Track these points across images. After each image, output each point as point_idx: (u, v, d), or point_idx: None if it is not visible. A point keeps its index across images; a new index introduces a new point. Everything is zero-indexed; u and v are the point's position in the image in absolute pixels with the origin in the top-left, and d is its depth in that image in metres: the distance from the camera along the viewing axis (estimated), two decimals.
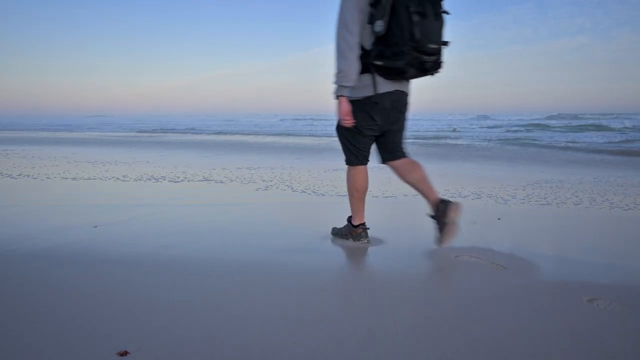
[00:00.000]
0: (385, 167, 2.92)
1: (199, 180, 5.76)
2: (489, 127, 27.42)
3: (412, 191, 5.13)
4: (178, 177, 6.01)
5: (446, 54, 2.47)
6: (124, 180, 5.66)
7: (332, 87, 2.50)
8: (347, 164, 2.82)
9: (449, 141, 17.13)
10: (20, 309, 1.88)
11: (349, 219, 2.94)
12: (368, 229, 2.93)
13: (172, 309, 1.90)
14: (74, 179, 5.79)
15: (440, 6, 2.36)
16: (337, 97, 2.49)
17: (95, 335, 1.66)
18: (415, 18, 2.24)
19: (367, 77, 2.48)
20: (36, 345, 1.59)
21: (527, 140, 16.82)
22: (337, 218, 3.72)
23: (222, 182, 5.69)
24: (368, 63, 2.43)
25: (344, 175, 6.42)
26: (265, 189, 5.16)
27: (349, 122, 2.56)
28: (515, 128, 26.11)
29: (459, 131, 24.16)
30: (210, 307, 1.94)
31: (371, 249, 2.85)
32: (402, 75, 2.42)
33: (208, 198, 4.54)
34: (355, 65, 2.39)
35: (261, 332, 1.71)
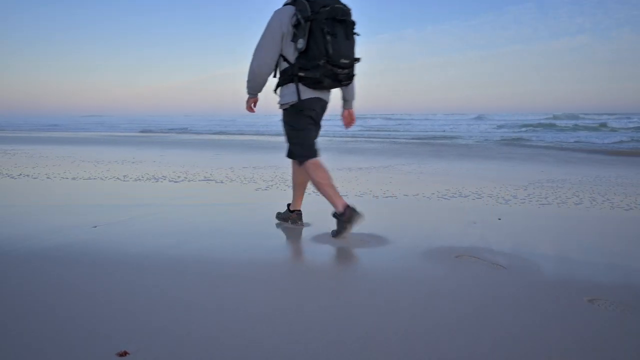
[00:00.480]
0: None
1: (199, 180, 5.76)
2: (495, 128, 27.40)
3: (412, 191, 5.13)
4: (178, 177, 6.01)
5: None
6: (124, 180, 5.65)
7: (245, 90, 3.07)
8: (299, 159, 3.11)
9: (453, 141, 17.14)
10: (20, 309, 1.88)
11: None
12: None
13: (172, 309, 1.90)
14: (74, 178, 5.79)
15: (351, 29, 2.79)
16: (249, 94, 3.08)
17: (94, 335, 1.66)
18: (328, 37, 2.66)
19: (292, 86, 2.87)
20: (36, 345, 1.59)
21: (529, 140, 16.81)
22: None
23: (222, 182, 5.69)
24: (292, 74, 2.81)
25: (343, 175, 6.42)
26: (266, 189, 5.15)
27: (251, 110, 3.16)
28: (518, 128, 26.11)
29: (460, 132, 24.14)
30: (210, 307, 1.93)
31: (371, 249, 2.85)
32: (320, 84, 2.80)
33: (208, 198, 4.54)
34: (263, 76, 2.92)
35: (261, 332, 1.71)
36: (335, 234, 3.05)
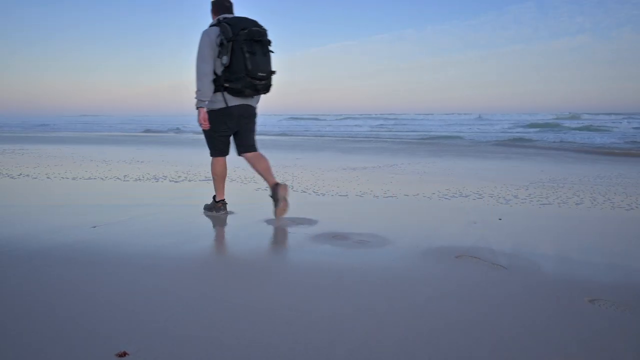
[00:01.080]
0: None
1: (199, 180, 5.76)
2: (495, 127, 27.35)
3: (412, 191, 5.13)
4: (179, 177, 6.01)
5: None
6: (125, 180, 5.65)
7: (194, 101, 3.39)
8: (211, 155, 3.68)
9: (453, 141, 17.12)
10: (20, 309, 1.88)
11: (214, 197, 3.80)
12: (226, 204, 3.80)
13: (171, 310, 1.89)
14: (74, 178, 5.79)
15: (267, 47, 3.34)
16: (197, 108, 3.41)
17: (94, 335, 1.66)
18: (247, 55, 3.20)
19: (219, 95, 3.39)
20: (35, 345, 1.58)
21: (530, 139, 16.80)
22: (337, 218, 3.71)
23: None
24: (220, 85, 3.34)
25: (342, 175, 6.42)
26: (266, 189, 5.15)
27: (205, 126, 3.47)
28: (520, 128, 26.09)
29: (460, 132, 24.13)
30: (210, 307, 1.93)
31: (371, 249, 2.84)
32: (242, 93, 3.35)
33: (208, 198, 4.53)
34: (208, 86, 3.32)
35: (261, 332, 1.71)
36: (206, 208, 3.83)
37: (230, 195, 4.81)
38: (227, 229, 3.32)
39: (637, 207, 4.39)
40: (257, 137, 3.81)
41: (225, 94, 3.36)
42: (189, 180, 5.75)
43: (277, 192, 3.57)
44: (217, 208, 3.75)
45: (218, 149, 3.63)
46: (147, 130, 26.77)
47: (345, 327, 1.76)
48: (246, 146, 3.66)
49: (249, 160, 3.68)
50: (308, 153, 10.88)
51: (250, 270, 2.42)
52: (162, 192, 4.88)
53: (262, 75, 3.28)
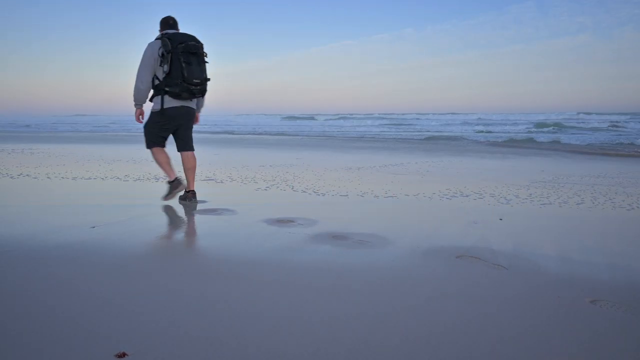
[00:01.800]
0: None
1: (200, 180, 5.75)
2: (496, 127, 27.34)
3: (413, 191, 5.12)
4: (179, 177, 6.00)
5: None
6: (125, 180, 5.65)
7: (133, 102, 4.04)
8: (147, 148, 4.17)
9: (454, 141, 17.11)
10: (19, 309, 1.87)
11: (168, 181, 4.17)
12: (179, 178, 4.15)
13: (171, 310, 1.89)
14: (74, 178, 5.78)
15: (203, 58, 3.95)
16: (136, 107, 4.06)
17: (93, 336, 1.65)
18: (184, 65, 3.79)
19: (159, 98, 3.94)
20: (34, 345, 1.58)
21: (530, 139, 16.79)
22: (337, 218, 3.71)
23: (222, 181, 5.68)
24: (161, 89, 3.90)
25: (342, 175, 6.41)
26: (266, 189, 5.14)
27: (139, 121, 4.12)
28: (520, 127, 26.05)
29: (461, 132, 24.10)
30: (210, 307, 1.92)
31: (372, 249, 2.84)
32: (180, 96, 3.89)
33: (208, 198, 4.53)
34: (143, 92, 3.95)
35: (261, 333, 1.70)
36: (165, 196, 4.17)
37: (230, 195, 4.81)
38: (227, 229, 3.32)
39: (638, 207, 4.38)
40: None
41: (165, 97, 3.92)
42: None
43: (187, 197, 4.18)
44: (174, 187, 4.16)
45: (152, 141, 4.13)
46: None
47: (345, 328, 1.76)
48: (184, 145, 4.18)
49: (182, 157, 4.20)
50: (308, 153, 10.88)
51: (250, 270, 2.41)
52: (161, 192, 4.87)
53: (197, 82, 3.88)
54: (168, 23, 4.04)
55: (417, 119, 42.32)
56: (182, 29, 4.13)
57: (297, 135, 21.16)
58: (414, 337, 1.69)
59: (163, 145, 4.16)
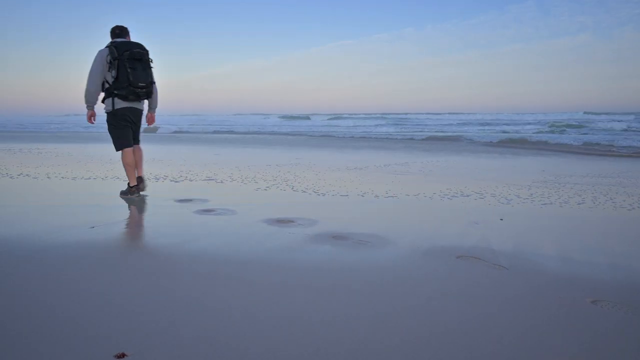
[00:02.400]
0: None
1: (200, 180, 5.75)
2: (496, 127, 27.31)
3: (413, 191, 5.11)
4: (179, 177, 6.00)
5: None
6: (125, 180, 5.64)
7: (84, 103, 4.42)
8: (117, 150, 4.50)
9: (454, 140, 17.10)
10: (19, 309, 1.87)
11: (128, 184, 4.55)
12: (138, 187, 4.54)
13: (171, 310, 1.88)
14: (74, 178, 5.78)
15: (148, 64, 4.36)
16: (87, 108, 4.42)
17: (93, 336, 1.65)
18: (130, 70, 4.20)
19: (110, 100, 4.36)
20: (34, 346, 1.57)
21: (531, 139, 16.77)
22: (338, 218, 3.70)
23: (222, 181, 5.68)
24: (111, 92, 4.31)
25: (343, 176, 6.41)
26: (266, 189, 5.14)
27: (90, 122, 4.49)
28: (520, 127, 26.03)
29: (461, 132, 24.08)
30: (210, 307, 1.92)
31: (372, 249, 2.83)
32: (127, 98, 4.32)
33: (208, 198, 4.52)
34: (93, 95, 4.35)
35: (261, 333, 1.70)
36: (122, 193, 4.56)
37: (230, 195, 4.81)
38: (227, 229, 3.31)
39: (639, 207, 4.37)
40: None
41: (115, 99, 4.34)
42: (190, 180, 5.74)
43: (140, 183, 4.55)
44: (131, 192, 4.51)
45: (121, 143, 4.46)
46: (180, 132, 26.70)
47: (346, 328, 1.75)
48: (134, 139, 4.61)
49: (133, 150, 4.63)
50: (308, 152, 10.87)
51: (250, 270, 2.41)
52: (162, 192, 4.87)
53: (142, 85, 4.29)
54: (115, 33, 4.49)
55: (417, 118, 42.30)
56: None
57: (297, 135, 21.15)
58: (415, 338, 1.69)
59: (131, 146, 4.49)
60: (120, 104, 4.34)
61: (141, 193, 4.56)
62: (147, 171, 6.55)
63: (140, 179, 4.54)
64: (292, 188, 5.20)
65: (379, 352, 1.58)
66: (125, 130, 4.44)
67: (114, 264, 2.47)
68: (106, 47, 4.31)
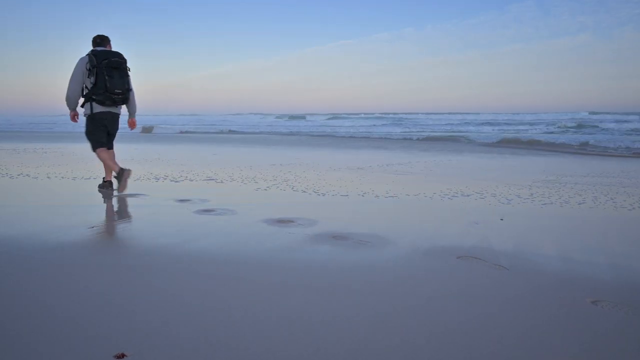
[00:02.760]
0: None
1: (200, 180, 5.75)
2: (496, 127, 27.28)
3: (413, 191, 5.11)
4: (179, 177, 6.00)
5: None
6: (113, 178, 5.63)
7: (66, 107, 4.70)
8: (93, 151, 4.75)
9: (455, 140, 17.10)
10: (18, 309, 1.86)
11: (103, 179, 4.87)
12: (112, 183, 4.81)
13: (170, 310, 1.88)
14: (74, 178, 5.78)
15: (125, 72, 4.65)
16: (69, 110, 4.70)
17: (92, 336, 1.64)
18: (107, 77, 4.50)
19: (88, 104, 4.63)
20: (33, 346, 1.57)
21: (531, 139, 16.76)
22: (338, 218, 3.70)
23: (222, 181, 5.68)
24: (89, 97, 4.58)
25: (343, 175, 6.40)
26: (266, 189, 5.14)
27: (74, 121, 4.79)
28: (519, 127, 26.00)
29: (462, 132, 24.07)
30: (209, 308, 1.91)
31: (372, 250, 2.83)
32: (104, 103, 4.60)
33: (208, 197, 4.52)
34: (73, 99, 4.61)
35: (261, 334, 1.69)
36: (118, 189, 4.71)
37: (230, 194, 4.81)
38: (227, 229, 3.31)
39: (639, 207, 4.36)
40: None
41: (93, 103, 4.61)
42: (190, 180, 5.74)
43: (122, 175, 4.65)
44: (105, 187, 4.80)
45: (96, 143, 4.72)
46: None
47: (346, 328, 1.75)
48: (109, 143, 4.85)
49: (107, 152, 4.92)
50: (308, 152, 10.87)
51: (250, 270, 2.40)
52: (162, 192, 4.86)
53: (119, 92, 4.58)
54: (96, 42, 4.76)
55: (417, 118, 42.28)
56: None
57: (297, 135, 21.15)
58: (415, 338, 1.69)
59: (105, 146, 4.77)
60: (97, 108, 4.62)
61: (128, 179, 4.70)
62: (148, 171, 6.57)
63: (120, 169, 4.74)
64: (292, 188, 5.20)
65: (379, 352, 1.58)
66: (100, 133, 4.71)
67: (114, 264, 2.47)
68: (87, 55, 4.60)
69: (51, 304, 1.93)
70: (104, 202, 2.85)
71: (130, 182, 4.70)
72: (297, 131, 24.83)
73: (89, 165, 7.28)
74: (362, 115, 51.38)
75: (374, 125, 31.88)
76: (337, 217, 3.74)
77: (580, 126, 24.77)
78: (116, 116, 4.81)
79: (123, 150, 10.58)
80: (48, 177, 5.80)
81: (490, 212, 4.01)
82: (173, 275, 2.31)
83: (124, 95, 4.65)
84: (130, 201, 4.33)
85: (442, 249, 2.84)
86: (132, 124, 5.01)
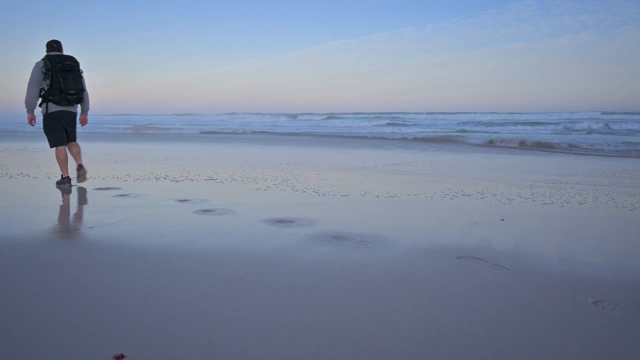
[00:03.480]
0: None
1: (201, 180, 5.74)
2: (497, 126, 27.25)
3: (414, 191, 5.10)
4: (180, 176, 5.99)
5: None
6: (125, 180, 5.64)
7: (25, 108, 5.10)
8: (51, 147, 5.20)
9: (456, 141, 17.09)
10: (17, 310, 1.86)
11: (61, 176, 5.27)
12: (71, 179, 5.29)
13: (169, 311, 1.87)
14: (74, 178, 5.77)
15: (78, 74, 5.10)
16: (27, 112, 5.10)
17: (91, 337, 1.64)
18: (61, 80, 4.96)
19: (45, 105, 5.07)
20: (32, 347, 1.57)
21: (530, 139, 16.75)
22: (338, 218, 3.69)
23: (222, 181, 5.67)
24: (46, 97, 5.03)
25: (343, 175, 6.39)
26: (266, 189, 5.13)
27: (31, 124, 5.23)
28: (520, 126, 25.98)
29: (463, 131, 24.05)
30: (209, 308, 1.91)
31: (372, 250, 2.82)
32: (60, 103, 5.07)
33: (208, 198, 4.52)
34: (30, 101, 5.01)
35: (260, 335, 1.69)
36: (58, 183, 5.23)
37: (230, 194, 4.80)
38: (227, 229, 3.30)
39: None
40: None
41: (50, 104, 5.07)
42: (190, 180, 5.73)
43: (80, 169, 5.23)
44: (64, 182, 5.21)
45: (55, 141, 5.17)
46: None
47: (346, 329, 1.74)
48: (69, 137, 5.31)
49: (68, 146, 5.32)
50: (308, 152, 10.86)
51: (250, 270, 2.40)
52: (162, 192, 4.86)
53: (72, 92, 5.04)
54: (52, 46, 5.17)
55: (418, 118, 42.26)
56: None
57: (297, 135, 21.14)
58: (416, 338, 1.68)
59: (64, 144, 5.21)
60: (53, 107, 5.08)
61: (79, 183, 5.15)
62: (149, 171, 6.57)
63: (80, 166, 5.24)
64: (292, 188, 5.19)
65: (379, 353, 1.57)
66: (58, 131, 5.16)
67: (113, 264, 2.46)
68: (42, 59, 5.03)
69: (50, 304, 1.92)
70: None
71: (130, 181, 4.67)
72: (297, 131, 24.82)
73: (88, 165, 7.28)
74: (362, 115, 51.35)
75: (376, 125, 31.85)
76: (337, 217, 3.74)
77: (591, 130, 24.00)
78: (72, 114, 5.26)
79: (126, 151, 10.56)
80: (48, 177, 5.80)
81: (490, 212, 4.00)
82: (172, 275, 2.31)
83: (78, 95, 5.11)
84: (128, 201, 4.32)
85: (442, 249, 2.83)
86: (84, 121, 5.46)
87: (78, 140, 5.40)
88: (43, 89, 5.00)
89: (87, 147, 11.57)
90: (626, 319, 1.88)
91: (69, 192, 4.85)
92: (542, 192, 5.09)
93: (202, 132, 23.70)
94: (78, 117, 5.37)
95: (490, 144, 15.26)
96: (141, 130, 24.62)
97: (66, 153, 5.22)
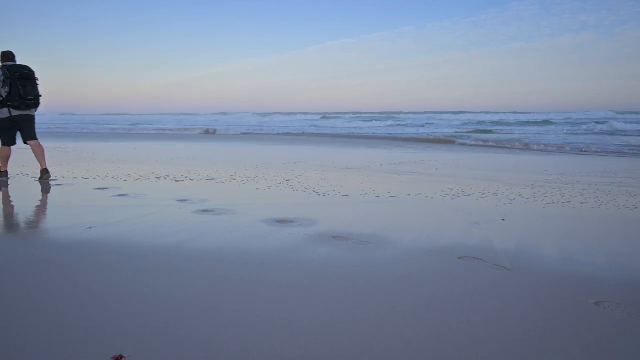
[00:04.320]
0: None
1: (201, 180, 5.74)
2: (495, 126, 27.25)
3: (414, 191, 5.10)
4: (180, 176, 5.99)
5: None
6: (125, 180, 5.64)
7: None
8: (2, 145, 5.80)
9: (456, 141, 17.08)
10: (18, 310, 1.85)
11: (1, 171, 5.87)
12: (8, 173, 5.96)
13: (169, 311, 1.87)
14: (74, 178, 5.77)
15: (34, 81, 5.75)
16: None
17: (90, 337, 1.63)
18: (20, 87, 5.59)
19: (5, 109, 5.64)
20: (31, 348, 1.56)
21: (530, 139, 16.74)
22: (338, 218, 3.69)
23: (222, 181, 5.67)
24: (5, 103, 5.59)
25: (344, 175, 6.39)
26: (266, 189, 5.13)
27: None
28: (520, 126, 25.94)
29: (463, 131, 24.05)
30: (209, 308, 1.90)
31: (373, 250, 2.81)
32: (19, 108, 5.67)
33: (208, 197, 4.51)
34: None
35: (260, 335, 1.68)
36: None
37: (230, 194, 4.80)
38: (227, 229, 3.30)
39: None
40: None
41: (10, 109, 5.65)
42: (191, 180, 5.73)
43: (44, 174, 5.67)
44: (2, 175, 5.81)
45: (5, 141, 5.83)
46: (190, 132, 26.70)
47: (346, 329, 1.74)
48: (28, 137, 5.88)
49: (31, 146, 5.86)
50: (308, 152, 10.86)
51: (249, 271, 2.39)
52: (162, 192, 4.86)
53: (31, 98, 5.70)
54: (8, 57, 5.77)
55: (418, 117, 42.24)
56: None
57: (298, 135, 21.14)
58: (416, 338, 1.67)
59: (10, 144, 5.86)
60: (13, 112, 5.70)
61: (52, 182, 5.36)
62: (149, 170, 6.57)
63: (45, 170, 5.68)
64: (293, 188, 5.19)
65: (380, 353, 1.56)
66: (10, 132, 5.79)
67: (113, 264, 2.46)
68: None
69: (50, 304, 1.92)
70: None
71: (130, 181, 4.67)
72: (296, 131, 24.82)
73: (89, 165, 7.28)
74: (362, 115, 51.33)
75: (376, 125, 31.84)
76: (337, 217, 3.73)
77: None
78: (30, 117, 5.90)
79: (126, 150, 10.53)
80: (50, 178, 5.79)
81: (491, 212, 4.00)
82: (172, 275, 2.30)
83: (36, 100, 5.79)
84: (128, 201, 4.32)
85: (443, 250, 2.83)
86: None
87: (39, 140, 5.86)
88: (1, 96, 5.57)
89: (88, 147, 11.57)
90: (627, 320, 1.88)
91: (6, 185, 5.32)
92: (543, 192, 5.08)
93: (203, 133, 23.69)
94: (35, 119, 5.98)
95: (490, 144, 15.25)
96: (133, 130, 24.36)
97: (10, 152, 5.89)
